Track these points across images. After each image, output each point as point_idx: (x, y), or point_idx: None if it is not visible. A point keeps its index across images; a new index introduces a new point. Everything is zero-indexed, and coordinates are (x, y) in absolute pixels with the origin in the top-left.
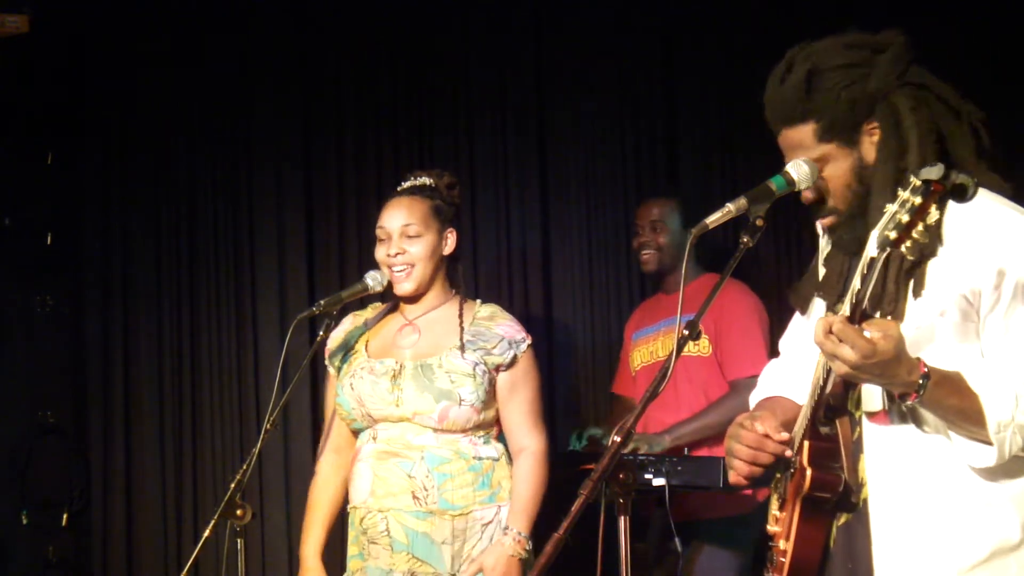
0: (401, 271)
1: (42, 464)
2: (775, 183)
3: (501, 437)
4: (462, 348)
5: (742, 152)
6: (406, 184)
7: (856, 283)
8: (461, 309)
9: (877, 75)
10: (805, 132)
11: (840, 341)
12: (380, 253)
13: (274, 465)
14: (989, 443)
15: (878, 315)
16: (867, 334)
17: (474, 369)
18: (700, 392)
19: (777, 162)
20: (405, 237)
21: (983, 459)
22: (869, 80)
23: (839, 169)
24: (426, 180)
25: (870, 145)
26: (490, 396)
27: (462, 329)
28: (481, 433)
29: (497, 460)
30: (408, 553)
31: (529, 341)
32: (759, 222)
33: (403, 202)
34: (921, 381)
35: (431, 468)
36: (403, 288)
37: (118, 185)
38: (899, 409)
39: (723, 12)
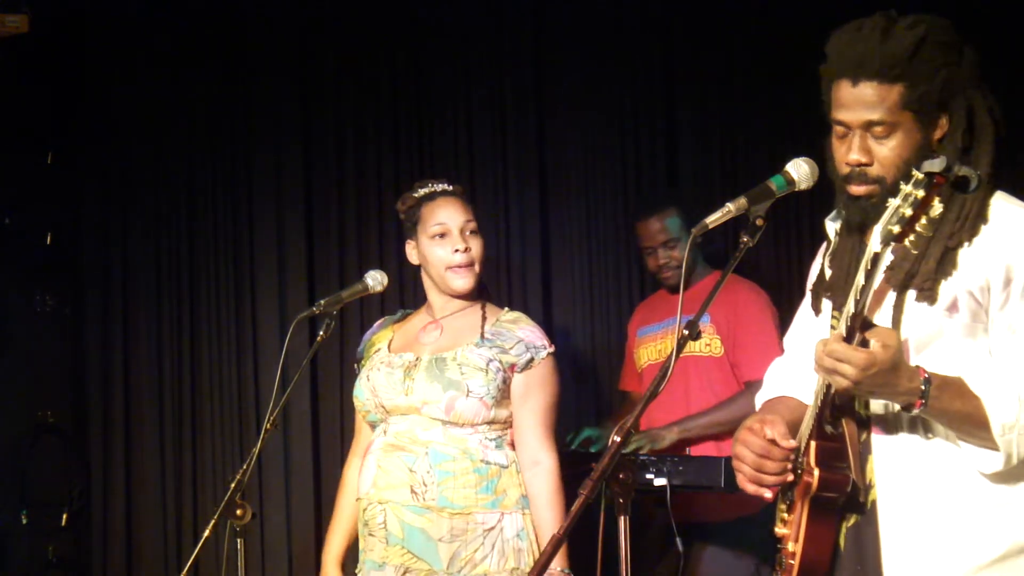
0: (463, 268)
1: (42, 464)
2: (775, 183)
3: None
4: (479, 344)
5: (742, 152)
6: (439, 187)
7: (860, 279)
8: (484, 311)
9: (966, 66)
10: (891, 93)
11: (838, 360)
12: (442, 250)
13: (274, 465)
14: (996, 448)
15: (913, 293)
16: (872, 343)
17: (487, 364)
18: (710, 392)
19: (778, 161)
20: (467, 234)
21: (991, 464)
22: (961, 68)
23: (905, 141)
24: (458, 187)
25: (939, 132)
26: (502, 394)
27: (483, 327)
28: (493, 434)
29: (506, 468)
30: (402, 547)
31: (550, 350)
32: (759, 222)
33: (458, 201)
34: (923, 387)
35: (433, 464)
36: (461, 284)
37: (118, 185)
38: (907, 415)
39: (723, 11)
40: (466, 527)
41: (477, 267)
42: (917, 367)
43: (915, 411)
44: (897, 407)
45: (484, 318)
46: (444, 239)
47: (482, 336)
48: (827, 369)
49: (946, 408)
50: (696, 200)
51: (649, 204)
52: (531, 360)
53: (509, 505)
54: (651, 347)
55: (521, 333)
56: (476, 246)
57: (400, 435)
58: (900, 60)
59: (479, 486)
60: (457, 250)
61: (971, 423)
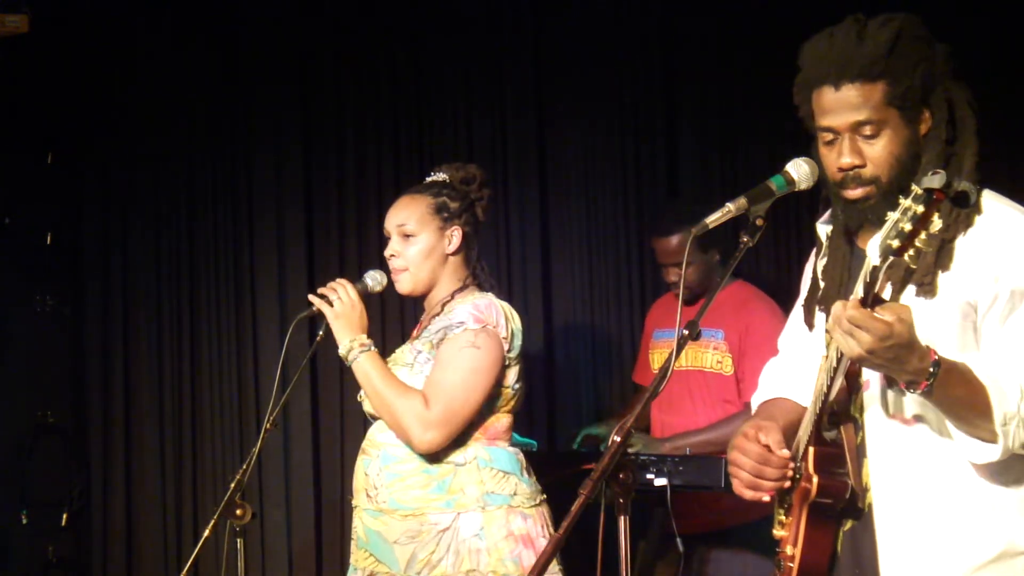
0: (398, 273)
1: (42, 464)
2: (775, 183)
3: (491, 446)
4: (417, 338)
5: (742, 152)
6: (425, 181)
7: (859, 292)
8: (451, 301)
9: (940, 59)
10: (875, 91)
11: (856, 325)
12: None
13: (274, 465)
14: (993, 439)
15: (911, 290)
16: (888, 316)
17: (415, 358)
18: (720, 409)
19: (778, 161)
20: (401, 237)
21: (986, 454)
22: (937, 61)
23: (894, 138)
24: (439, 176)
25: (923, 126)
26: None
27: (431, 321)
28: None
29: (462, 465)
30: (367, 551)
31: (473, 327)
32: (759, 222)
33: (403, 201)
34: (932, 368)
35: (383, 467)
36: (399, 290)
37: (118, 185)
38: (903, 413)
39: (723, 13)
40: (420, 528)
41: (413, 269)
42: (928, 348)
43: (918, 391)
44: (893, 409)
45: (441, 308)
46: (388, 244)
47: (420, 330)
48: (844, 332)
49: (949, 393)
50: (696, 200)
51: (668, 222)
52: (443, 337)
53: (467, 504)
54: (664, 353)
55: (454, 313)
56: (404, 249)
57: (368, 438)
58: (879, 58)
59: (429, 486)
60: (391, 256)
61: (972, 411)
